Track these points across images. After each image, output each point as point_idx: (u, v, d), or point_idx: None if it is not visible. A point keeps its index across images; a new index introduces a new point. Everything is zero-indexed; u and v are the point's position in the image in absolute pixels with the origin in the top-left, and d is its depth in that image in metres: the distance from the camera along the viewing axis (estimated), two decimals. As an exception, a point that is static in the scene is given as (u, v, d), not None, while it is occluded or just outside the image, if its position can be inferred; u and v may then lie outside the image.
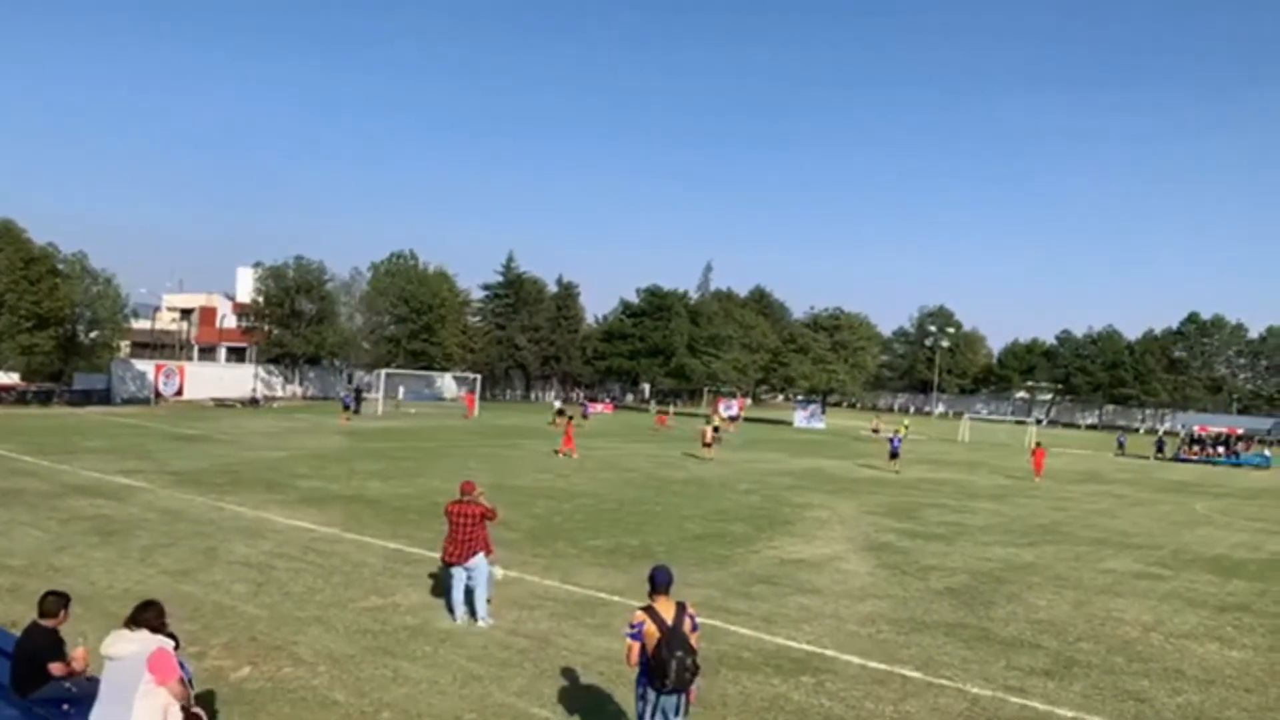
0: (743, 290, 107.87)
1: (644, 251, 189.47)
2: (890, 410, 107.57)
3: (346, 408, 45.52)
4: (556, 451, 31.49)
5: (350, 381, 64.17)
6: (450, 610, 10.42)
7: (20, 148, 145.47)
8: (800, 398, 72.13)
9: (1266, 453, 52.43)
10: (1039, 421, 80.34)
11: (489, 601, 10.49)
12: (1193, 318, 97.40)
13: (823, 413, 68.20)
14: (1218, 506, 27.68)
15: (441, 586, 11.23)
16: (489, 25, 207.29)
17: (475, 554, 10.24)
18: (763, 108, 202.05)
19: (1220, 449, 52.07)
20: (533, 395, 77.80)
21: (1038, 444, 36.62)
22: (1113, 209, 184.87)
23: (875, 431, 59.67)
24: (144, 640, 5.64)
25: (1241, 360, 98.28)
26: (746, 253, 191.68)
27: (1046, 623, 11.80)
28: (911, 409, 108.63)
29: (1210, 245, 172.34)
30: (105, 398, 48.71)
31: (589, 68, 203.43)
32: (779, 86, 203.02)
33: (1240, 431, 54.94)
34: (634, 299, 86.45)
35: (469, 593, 10.36)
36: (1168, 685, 9.47)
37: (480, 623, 10.21)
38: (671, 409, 70.57)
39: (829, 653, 9.93)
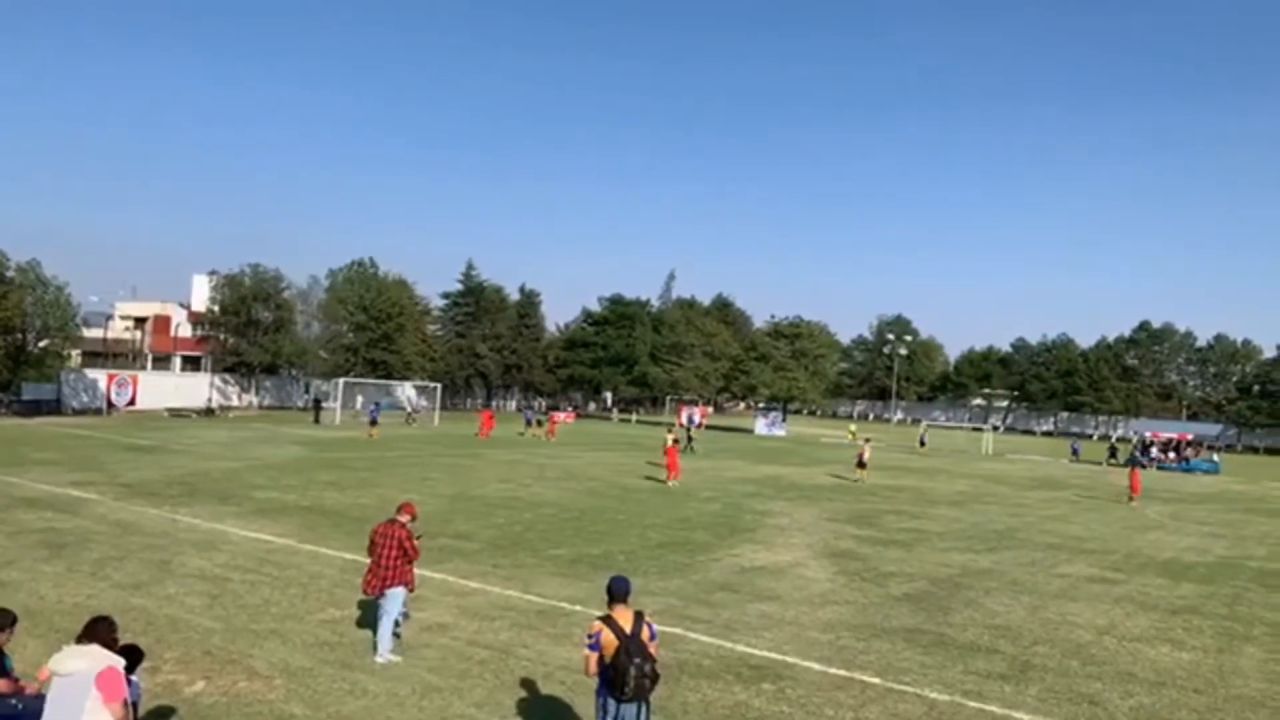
0: (705, 299, 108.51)
1: (607, 260, 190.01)
2: (850, 417, 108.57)
3: (374, 423, 42.63)
4: (663, 480, 27.67)
5: (308, 391, 63.24)
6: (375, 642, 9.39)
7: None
8: (761, 405, 72.51)
9: (1215, 458, 53.70)
10: (995, 428, 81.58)
11: (397, 636, 9.50)
12: (1144, 326, 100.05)
13: (783, 420, 68.70)
14: (1168, 511, 28.28)
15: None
16: (451, 32, 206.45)
17: (392, 585, 9.13)
18: (727, 118, 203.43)
19: (1171, 455, 53.27)
20: (494, 404, 77.23)
21: (1137, 464, 33.74)
22: (1066, 219, 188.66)
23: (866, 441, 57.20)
24: (94, 656, 5.52)
25: (1191, 367, 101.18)
26: (709, 262, 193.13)
27: (1003, 627, 11.99)
28: (870, 416, 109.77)
29: (1161, 255, 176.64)
30: (55, 408, 47.53)
31: (551, 77, 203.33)
32: (742, 98, 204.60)
33: (1190, 437, 56.24)
34: (596, 307, 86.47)
35: (378, 622, 9.33)
36: (1120, 688, 9.66)
37: (379, 658, 9.14)
38: (563, 415, 64.36)
39: (789, 659, 9.99)
